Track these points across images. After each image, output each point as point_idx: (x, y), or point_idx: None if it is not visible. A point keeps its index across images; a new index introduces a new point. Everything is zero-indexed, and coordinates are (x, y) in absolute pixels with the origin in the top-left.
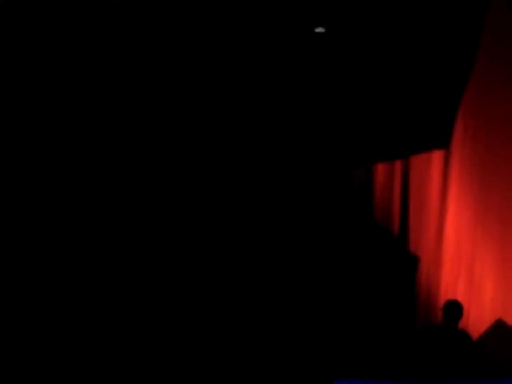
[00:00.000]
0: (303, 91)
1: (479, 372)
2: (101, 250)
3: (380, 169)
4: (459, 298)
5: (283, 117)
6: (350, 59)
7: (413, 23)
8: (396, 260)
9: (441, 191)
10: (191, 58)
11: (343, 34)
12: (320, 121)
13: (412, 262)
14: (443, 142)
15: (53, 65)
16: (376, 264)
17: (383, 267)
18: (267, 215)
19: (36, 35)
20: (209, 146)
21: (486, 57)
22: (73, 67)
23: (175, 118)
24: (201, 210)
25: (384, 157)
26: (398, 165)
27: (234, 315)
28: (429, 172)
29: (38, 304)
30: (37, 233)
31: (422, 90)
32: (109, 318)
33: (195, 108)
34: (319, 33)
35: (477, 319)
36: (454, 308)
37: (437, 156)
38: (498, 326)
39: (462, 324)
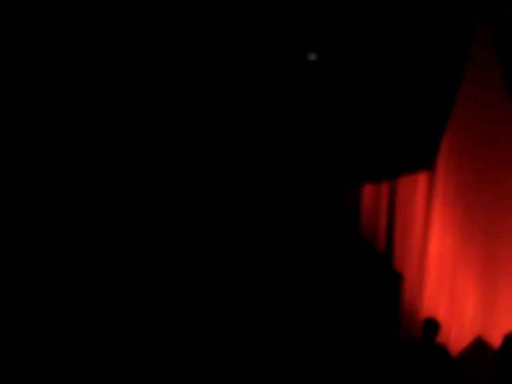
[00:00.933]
0: (296, 109)
1: None
2: (101, 249)
3: (368, 188)
4: (441, 315)
5: (276, 133)
6: (339, 83)
7: (401, 48)
8: (381, 277)
9: (426, 210)
10: (190, 58)
11: (332, 61)
12: (311, 141)
13: (396, 279)
14: (428, 163)
15: (53, 65)
16: (361, 280)
17: (368, 283)
18: (258, 227)
19: (36, 35)
20: (204, 155)
21: (470, 82)
22: (73, 66)
23: (174, 118)
24: (198, 217)
25: (371, 178)
26: (385, 185)
27: (226, 315)
28: (415, 191)
29: (38, 304)
30: (37, 233)
31: (408, 114)
32: (109, 318)
33: (193, 108)
34: (312, 61)
35: (458, 336)
36: (431, 325)
37: (422, 177)
38: (478, 343)
39: (442, 339)
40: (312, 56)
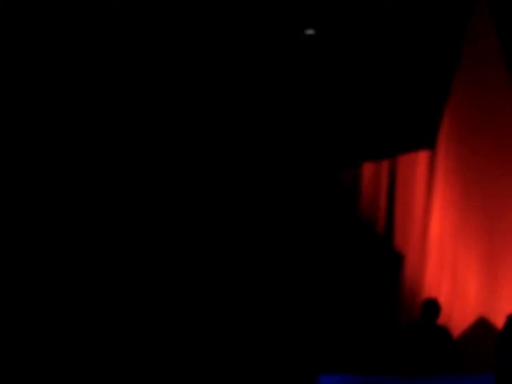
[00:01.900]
0: (292, 91)
1: (457, 368)
2: (101, 250)
3: (367, 168)
4: (443, 296)
5: (273, 116)
6: (338, 62)
7: (400, 28)
8: (381, 257)
9: (427, 190)
10: (190, 58)
11: (331, 38)
12: (309, 121)
13: (397, 259)
14: (428, 142)
15: (53, 64)
16: (361, 261)
17: (368, 264)
18: (255, 211)
19: (36, 35)
20: (193, 139)
21: (469, 61)
22: (73, 66)
23: (173, 118)
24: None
25: (371, 157)
26: (384, 165)
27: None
28: (415, 171)
29: (38, 304)
30: (37, 233)
31: (408, 92)
32: (109, 317)
33: (191, 108)
34: (309, 35)
35: (460, 317)
36: (431, 307)
37: (422, 156)
38: (481, 324)
39: (444, 321)
40: (310, 31)
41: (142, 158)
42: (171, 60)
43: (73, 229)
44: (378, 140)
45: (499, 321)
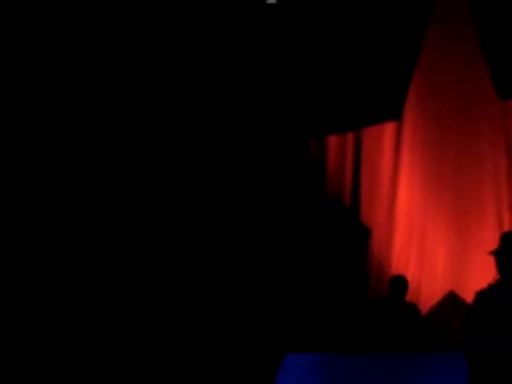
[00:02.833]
0: (256, 64)
1: (426, 344)
2: (101, 250)
3: (333, 141)
4: (411, 270)
5: (236, 88)
6: (302, 32)
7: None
8: (348, 231)
9: (393, 163)
10: (190, 58)
11: (293, 7)
12: (272, 93)
13: (364, 233)
14: (395, 114)
15: (53, 64)
16: (328, 234)
17: (335, 238)
18: (221, 187)
19: (36, 35)
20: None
21: (437, 33)
22: (73, 66)
23: (172, 117)
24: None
25: (336, 129)
26: (350, 137)
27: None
28: (381, 144)
29: (38, 304)
30: (37, 233)
31: (374, 63)
32: (109, 318)
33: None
34: (271, 4)
35: (429, 292)
36: (399, 283)
37: (389, 128)
38: (450, 298)
39: (413, 296)
40: (271, 0)
41: (140, 158)
42: (171, 60)
43: (73, 229)
44: (343, 112)
45: (468, 296)
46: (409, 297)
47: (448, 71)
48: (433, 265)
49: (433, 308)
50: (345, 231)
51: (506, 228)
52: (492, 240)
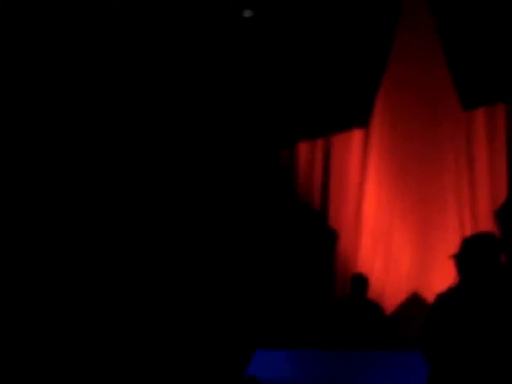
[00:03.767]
0: (228, 72)
1: (388, 343)
2: (101, 250)
3: (303, 147)
4: (376, 271)
5: (209, 96)
6: (273, 41)
7: (335, 8)
8: (316, 233)
9: (361, 168)
10: (190, 58)
11: (267, 18)
12: (243, 102)
13: (331, 236)
14: (363, 121)
15: (53, 64)
16: (297, 237)
17: (304, 240)
18: (195, 192)
19: (36, 35)
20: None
21: (404, 41)
22: (74, 66)
23: (172, 117)
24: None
25: (306, 136)
26: (319, 144)
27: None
28: (349, 150)
29: (38, 304)
30: (37, 233)
31: (342, 71)
32: (109, 318)
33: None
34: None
35: (393, 293)
36: (359, 281)
37: (357, 135)
38: (413, 300)
39: (377, 296)
40: (247, 13)
41: (143, 158)
42: (171, 60)
43: (72, 230)
44: (312, 119)
45: (431, 298)
46: (373, 297)
47: (413, 79)
48: (398, 267)
49: (396, 309)
50: (314, 234)
51: (467, 230)
52: (453, 242)
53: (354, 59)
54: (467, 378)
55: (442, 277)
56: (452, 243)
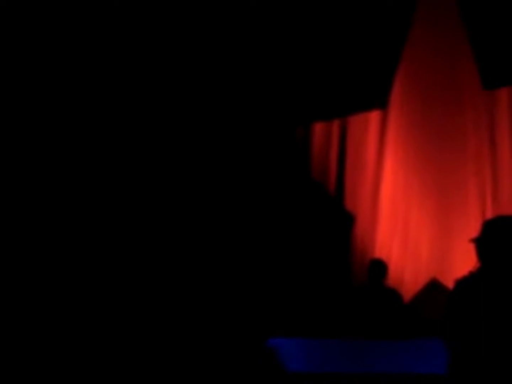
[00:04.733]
0: (245, 50)
1: (408, 330)
2: (101, 250)
3: (319, 128)
4: (394, 257)
5: (225, 78)
6: (289, 19)
7: None
8: (332, 217)
9: (378, 150)
10: (191, 58)
11: None
12: (260, 81)
13: (347, 220)
14: (380, 102)
15: (54, 65)
16: (312, 221)
17: (319, 224)
18: (208, 172)
19: (37, 35)
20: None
21: (423, 20)
22: (74, 67)
23: (173, 118)
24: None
25: (322, 116)
26: (336, 124)
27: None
28: (367, 131)
29: (38, 304)
30: (37, 233)
31: (361, 52)
32: (109, 318)
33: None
34: None
35: (412, 278)
36: (377, 267)
37: (374, 116)
38: (432, 285)
39: (395, 282)
40: None
41: (142, 159)
42: (172, 60)
43: (72, 230)
44: (329, 99)
45: (451, 284)
46: (392, 283)
47: (433, 59)
48: (417, 252)
49: (416, 294)
50: (329, 217)
51: (488, 214)
52: (474, 227)
53: (372, 38)
54: (488, 365)
55: (462, 262)
56: (472, 227)
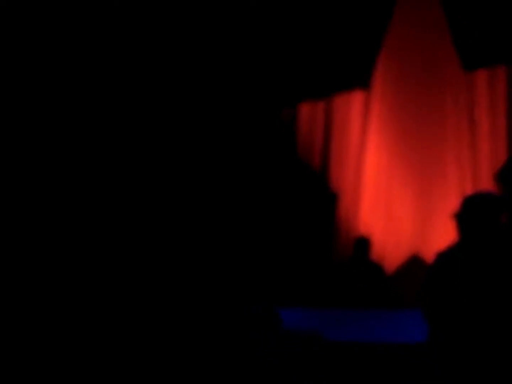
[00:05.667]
0: (230, 35)
1: (389, 302)
2: (100, 250)
3: (304, 108)
4: (377, 233)
5: (212, 58)
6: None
7: None
8: (317, 195)
9: (362, 130)
10: (191, 58)
11: None
12: (246, 61)
13: (332, 197)
14: (363, 82)
15: (54, 65)
16: (298, 198)
17: (305, 201)
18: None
19: (37, 36)
20: None
21: (403, 6)
22: (74, 67)
23: (173, 118)
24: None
25: (306, 96)
26: (320, 105)
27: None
28: (351, 111)
29: (38, 305)
30: (37, 233)
31: (343, 30)
32: (109, 318)
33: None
34: None
35: (394, 254)
36: (362, 243)
37: (358, 96)
38: (414, 260)
39: (378, 258)
40: None
41: (142, 159)
42: (172, 60)
43: (72, 229)
44: (312, 79)
45: (431, 258)
46: (375, 258)
47: (415, 41)
48: (399, 229)
49: (397, 269)
50: (315, 195)
51: (468, 192)
52: (454, 204)
53: (356, 19)
54: (466, 336)
55: (442, 237)
56: (452, 205)
